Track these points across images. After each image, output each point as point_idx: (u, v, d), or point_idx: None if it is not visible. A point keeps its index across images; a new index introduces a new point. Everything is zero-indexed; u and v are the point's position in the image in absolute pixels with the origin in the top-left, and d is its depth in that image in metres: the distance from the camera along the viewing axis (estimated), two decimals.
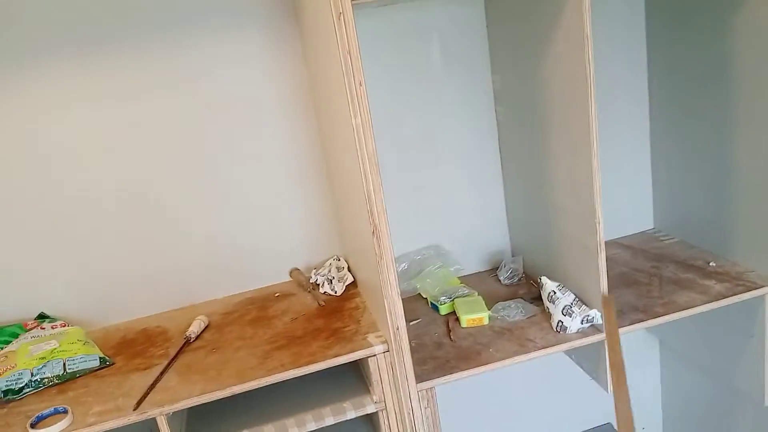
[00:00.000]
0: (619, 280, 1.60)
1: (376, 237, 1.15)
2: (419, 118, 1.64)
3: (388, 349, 1.26)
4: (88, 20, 1.42)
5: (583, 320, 1.36)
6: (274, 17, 1.50)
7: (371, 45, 1.53)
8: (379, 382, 1.28)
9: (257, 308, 1.56)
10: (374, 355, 1.27)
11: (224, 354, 1.35)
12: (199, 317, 1.50)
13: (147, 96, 1.49)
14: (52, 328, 1.50)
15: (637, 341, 1.99)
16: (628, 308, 1.45)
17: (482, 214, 1.77)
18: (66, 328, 1.51)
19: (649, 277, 1.59)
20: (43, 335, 1.46)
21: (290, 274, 1.67)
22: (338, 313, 1.46)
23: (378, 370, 1.28)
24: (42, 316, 1.56)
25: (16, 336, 1.47)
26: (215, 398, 1.21)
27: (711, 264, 1.59)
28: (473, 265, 1.80)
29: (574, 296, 1.40)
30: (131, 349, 1.45)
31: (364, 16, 1.49)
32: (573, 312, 1.37)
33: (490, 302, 1.56)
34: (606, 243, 1.75)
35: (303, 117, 1.58)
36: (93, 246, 1.56)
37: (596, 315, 1.36)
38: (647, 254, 1.72)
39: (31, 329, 1.50)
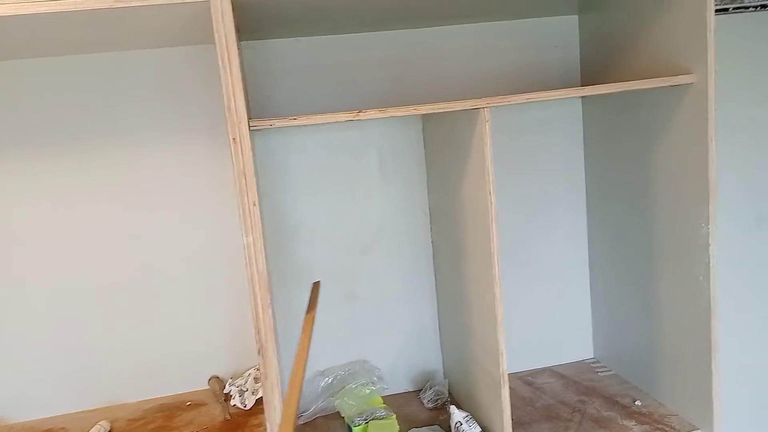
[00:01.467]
0: (542, 412, 1.55)
1: (262, 356, 1.13)
2: (356, 229, 1.66)
3: None
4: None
5: None
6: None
7: (309, 159, 1.60)
8: None
9: (163, 417, 1.51)
10: None
11: None
12: (100, 422, 1.45)
13: (79, 196, 1.53)
14: None
15: None
16: None
17: (414, 332, 1.75)
18: None
19: (572, 413, 1.53)
20: None
21: (208, 381, 1.64)
22: (240, 429, 1.41)
23: None
24: None
25: None
26: None
27: (637, 403, 1.54)
28: (402, 384, 1.75)
29: (479, 428, 1.35)
30: None
31: (302, 132, 1.56)
32: None
33: (408, 426, 1.51)
34: (541, 370, 1.78)
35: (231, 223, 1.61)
36: (16, 340, 1.55)
37: None
38: (578, 386, 1.67)
39: None
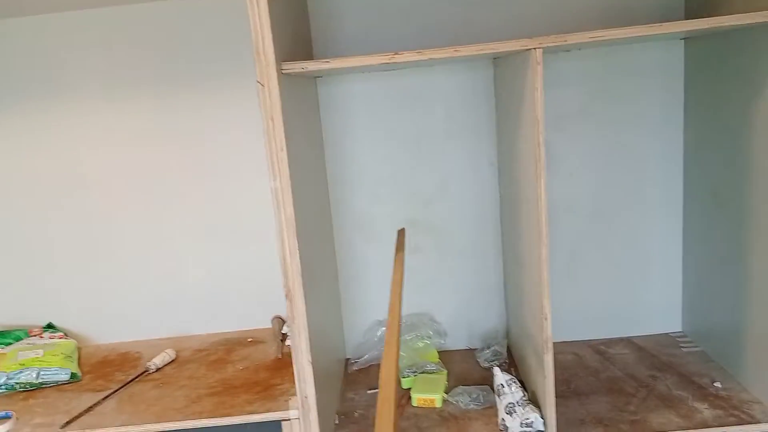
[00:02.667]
0: (604, 384, 1.44)
1: (290, 300, 1.14)
2: (420, 180, 1.61)
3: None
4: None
5: (522, 423, 1.23)
6: None
7: (374, 107, 1.56)
8: None
9: (224, 350, 1.60)
10: (288, 420, 1.24)
11: (166, 390, 1.40)
12: (167, 350, 1.56)
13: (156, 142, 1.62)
14: (50, 338, 1.65)
15: None
16: (592, 419, 1.29)
17: (479, 289, 1.68)
18: (61, 339, 1.64)
19: (638, 388, 1.41)
20: (37, 343, 1.60)
21: (271, 321, 1.70)
22: (287, 368, 1.45)
23: None
24: (49, 326, 1.71)
25: (19, 339, 1.64)
26: None
27: (716, 384, 1.38)
28: (464, 340, 1.71)
29: (522, 394, 1.28)
30: (103, 370, 1.55)
31: (365, 79, 1.52)
32: (514, 411, 1.25)
33: (460, 383, 1.47)
34: (619, 340, 1.65)
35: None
36: (105, 271, 1.70)
37: (536, 420, 1.23)
38: (654, 360, 1.53)
39: (33, 336, 1.66)
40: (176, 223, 1.67)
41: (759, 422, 1.22)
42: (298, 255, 1.12)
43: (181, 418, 1.26)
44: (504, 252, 1.61)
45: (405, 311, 1.69)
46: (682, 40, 1.48)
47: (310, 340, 1.18)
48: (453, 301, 1.68)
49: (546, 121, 1.53)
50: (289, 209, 1.10)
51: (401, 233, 1.32)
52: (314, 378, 1.19)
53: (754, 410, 1.26)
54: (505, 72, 1.37)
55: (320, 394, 1.24)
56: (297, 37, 1.31)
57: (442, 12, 1.50)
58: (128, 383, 1.44)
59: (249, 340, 1.65)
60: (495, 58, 1.47)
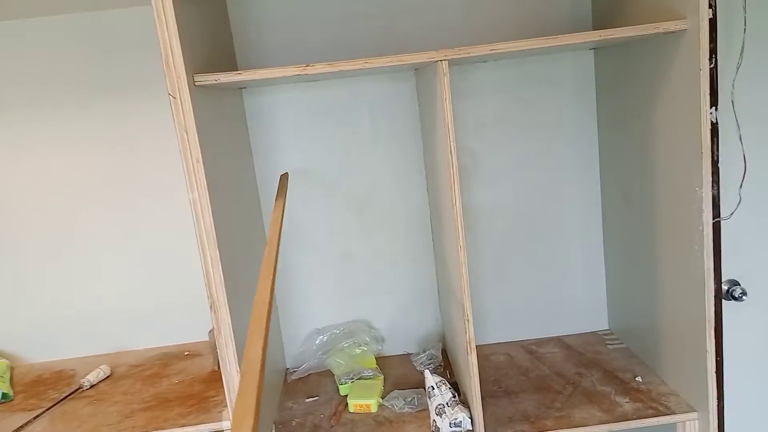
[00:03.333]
0: (534, 382, 1.48)
1: (214, 311, 1.15)
2: (349, 189, 1.64)
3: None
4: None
5: (451, 423, 1.26)
6: None
7: (301, 117, 1.58)
8: None
9: (160, 364, 1.59)
10: (221, 431, 1.25)
11: (100, 407, 1.39)
12: (101, 366, 1.55)
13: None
14: None
15: None
16: (520, 416, 1.33)
17: (414, 294, 1.71)
18: None
19: (564, 385, 1.45)
20: None
21: (208, 333, 1.70)
22: (220, 381, 1.45)
23: None
24: None
25: None
26: None
27: (637, 378, 1.44)
28: (402, 345, 1.73)
29: (451, 394, 1.31)
30: (36, 389, 1.53)
31: (289, 90, 1.54)
32: (444, 412, 1.28)
33: (397, 387, 1.50)
34: (549, 339, 1.70)
35: None
36: (34, 288, 1.68)
37: (465, 419, 1.26)
38: (581, 358, 1.58)
39: None
40: (106, 238, 1.65)
41: (674, 413, 1.28)
42: (220, 266, 1.13)
43: None
44: (435, 257, 1.65)
45: (342, 319, 1.72)
46: (592, 50, 1.54)
47: (239, 350, 1.19)
48: (389, 307, 1.71)
49: (467, 129, 1.58)
50: (208, 220, 1.11)
51: (283, 177, 1.34)
52: None
53: (670, 402, 1.32)
54: (423, 82, 1.41)
55: None
56: (216, 46, 1.33)
57: (367, 23, 1.54)
58: (61, 401, 1.43)
59: (186, 353, 1.65)
60: (416, 69, 1.51)
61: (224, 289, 1.14)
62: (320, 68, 1.11)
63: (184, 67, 1.05)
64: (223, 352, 1.17)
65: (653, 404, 1.32)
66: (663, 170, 1.27)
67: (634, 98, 1.36)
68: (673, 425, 1.28)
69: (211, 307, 1.15)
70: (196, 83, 1.09)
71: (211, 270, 1.13)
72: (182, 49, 1.05)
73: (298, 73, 1.11)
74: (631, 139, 1.41)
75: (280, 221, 1.13)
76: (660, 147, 1.27)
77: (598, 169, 1.62)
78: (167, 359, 1.63)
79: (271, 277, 0.91)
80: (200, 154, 1.09)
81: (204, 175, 1.10)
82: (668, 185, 1.25)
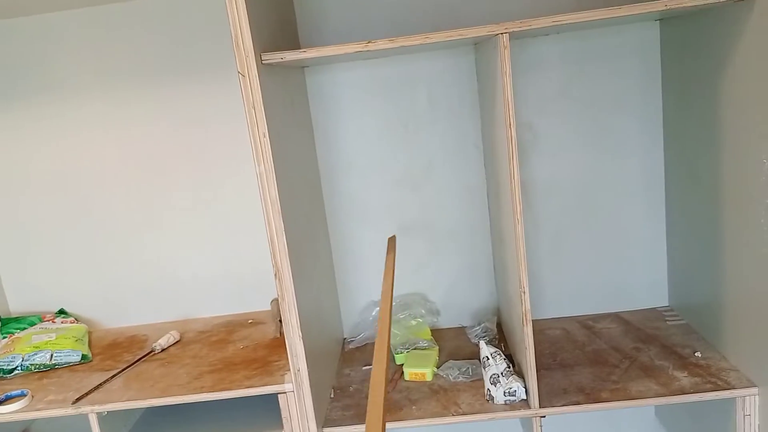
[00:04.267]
0: (589, 356, 1.49)
1: (279, 279, 1.20)
2: (407, 164, 1.66)
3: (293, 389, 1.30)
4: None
5: (505, 392, 1.29)
6: None
7: (360, 95, 1.61)
8: (288, 420, 1.33)
9: (226, 331, 1.67)
10: (284, 393, 1.31)
11: (171, 369, 1.48)
12: (171, 332, 1.64)
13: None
14: (62, 323, 1.74)
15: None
16: (574, 388, 1.35)
17: (470, 268, 1.74)
18: (72, 324, 1.73)
19: (621, 359, 1.45)
20: (49, 328, 1.69)
21: (270, 303, 1.77)
22: (284, 346, 1.51)
23: (287, 408, 1.32)
24: (60, 312, 1.80)
25: (33, 324, 1.73)
26: (136, 407, 1.34)
27: (697, 354, 1.42)
28: (458, 318, 1.76)
29: (506, 365, 1.34)
30: (112, 351, 1.64)
31: (349, 68, 1.57)
32: (499, 382, 1.30)
33: (452, 358, 1.54)
34: (606, 315, 1.69)
35: None
36: (113, 257, 1.78)
37: (519, 389, 1.29)
38: (639, 333, 1.58)
39: (46, 321, 1.75)
40: (178, 210, 1.73)
41: (734, 388, 1.26)
42: (284, 236, 1.19)
43: (183, 393, 1.34)
44: (492, 232, 1.67)
45: (399, 292, 1.75)
46: (657, 22, 1.51)
47: (301, 317, 1.25)
48: (445, 281, 1.74)
49: (527, 103, 1.57)
50: (273, 192, 1.16)
51: (391, 240, 1.35)
52: (307, 353, 1.26)
53: (730, 377, 1.31)
54: (483, 57, 1.41)
55: (314, 369, 1.31)
56: (281, 27, 1.37)
57: (425, 3, 1.55)
58: (135, 363, 1.53)
59: (249, 321, 1.72)
60: (476, 44, 1.51)
61: (288, 258, 1.19)
62: (381, 44, 1.13)
63: (252, 46, 1.09)
64: (287, 317, 1.23)
65: (712, 379, 1.31)
66: (730, 143, 1.24)
67: (701, 70, 1.33)
68: (732, 400, 1.27)
69: (275, 275, 1.21)
70: (264, 61, 1.14)
71: (276, 240, 1.19)
72: (251, 28, 1.09)
73: (360, 49, 1.13)
74: (697, 113, 1.38)
75: (390, 289, 1.14)
76: (728, 120, 1.24)
77: (662, 143, 1.59)
78: (232, 326, 1.70)
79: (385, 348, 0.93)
80: (267, 129, 1.13)
81: (270, 149, 1.14)
82: (735, 158, 1.23)
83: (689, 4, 1.08)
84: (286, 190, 1.21)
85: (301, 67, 1.55)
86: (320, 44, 1.57)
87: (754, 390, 1.24)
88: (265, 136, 1.14)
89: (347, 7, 1.56)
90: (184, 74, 1.64)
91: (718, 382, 1.29)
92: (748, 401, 1.25)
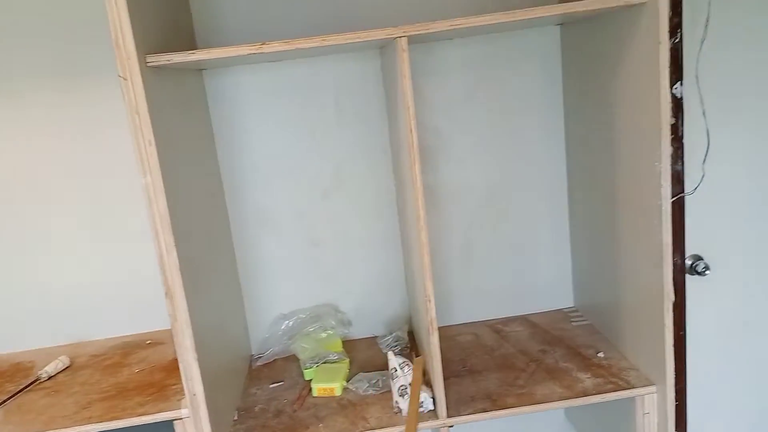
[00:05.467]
0: (498, 361, 1.49)
1: (169, 298, 1.12)
2: (315, 171, 1.61)
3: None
4: None
5: None
6: None
7: (264, 99, 1.54)
8: None
9: (122, 353, 1.56)
10: (179, 419, 1.23)
11: (57, 398, 1.36)
12: (60, 357, 1.51)
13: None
14: None
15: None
16: (482, 395, 1.34)
17: (381, 277, 1.70)
18: None
19: (528, 363, 1.46)
20: None
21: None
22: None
23: None
24: None
25: None
26: None
27: (600, 354, 1.45)
28: (371, 328, 1.72)
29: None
30: None
31: (252, 71, 1.50)
32: (406, 393, 1.28)
33: (363, 370, 1.50)
34: (515, 318, 1.70)
35: None
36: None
37: (426, 399, 1.26)
38: (546, 336, 1.60)
39: None
40: (63, 227, 1.60)
41: (633, 387, 1.29)
42: (175, 251, 1.11)
43: (69, 425, 1.23)
44: (402, 238, 1.64)
45: (309, 303, 1.70)
46: (558, 26, 1.54)
47: (197, 337, 1.17)
48: (357, 290, 1.70)
49: (434, 108, 1.57)
50: (162, 205, 1.08)
51: (418, 363, 1.30)
52: (204, 375, 1.18)
53: (630, 377, 1.34)
54: (387, 61, 1.39)
55: (213, 391, 1.23)
56: (173, 27, 1.29)
57: (333, 2, 1.50)
58: (17, 393, 1.39)
59: (147, 342, 1.62)
60: (381, 47, 1.49)
61: (179, 275, 1.11)
62: (276, 46, 1.08)
63: (134, 47, 1.01)
64: (180, 339, 1.15)
65: (613, 379, 1.34)
66: (625, 146, 1.27)
67: (597, 73, 1.36)
68: (632, 399, 1.30)
69: (166, 294, 1.13)
70: (148, 64, 1.06)
71: (165, 256, 1.11)
72: (133, 28, 1.01)
73: (253, 51, 1.08)
74: (595, 116, 1.41)
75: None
76: (622, 123, 1.27)
77: (563, 147, 1.62)
78: (129, 348, 1.60)
79: None
80: (152, 136, 1.05)
81: (157, 158, 1.06)
82: (630, 161, 1.26)
83: (581, 9, 1.10)
84: (177, 202, 1.14)
85: (198, 69, 1.47)
86: (220, 46, 1.49)
87: (652, 389, 1.27)
88: (150, 145, 1.06)
89: (248, 8, 1.49)
90: (67, 78, 1.51)
91: (619, 382, 1.32)
92: (647, 400, 1.29)
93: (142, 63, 1.04)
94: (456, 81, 1.56)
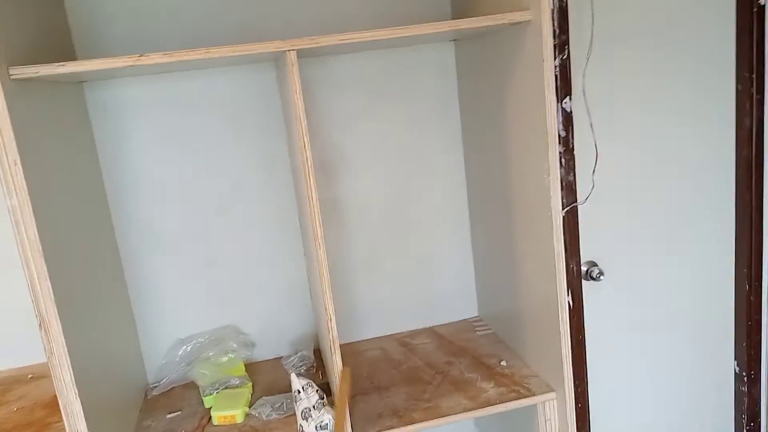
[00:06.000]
0: (405, 374, 1.48)
1: (44, 330, 1.03)
2: (211, 186, 1.54)
3: None
4: None
5: (317, 426, 1.22)
6: None
7: (152, 112, 1.47)
8: None
9: (1, 390, 1.42)
10: None
11: None
12: None
13: None
14: None
15: None
16: (389, 411, 1.32)
17: (285, 294, 1.65)
18: None
19: (434, 375, 1.46)
20: None
21: None
22: None
23: None
24: None
25: None
26: None
27: (502, 363, 1.47)
28: (276, 348, 1.67)
29: (318, 396, 1.27)
30: None
31: (140, 82, 1.43)
32: (310, 416, 1.24)
33: (268, 393, 1.44)
34: (422, 330, 1.70)
35: None
36: None
37: (330, 421, 1.23)
38: (452, 347, 1.60)
39: None
40: None
41: (534, 395, 1.32)
42: (48, 280, 1.02)
43: None
44: (305, 254, 1.61)
45: (208, 327, 1.63)
46: (453, 42, 1.56)
47: (79, 371, 1.08)
48: (260, 310, 1.64)
49: (333, 122, 1.55)
50: (31, 229, 0.99)
51: (344, 375, 1.22)
52: (89, 412, 1.09)
53: (531, 384, 1.36)
54: (281, 74, 1.35)
55: (100, 428, 1.14)
56: (46, 39, 1.19)
57: (219, 13, 1.45)
58: None
59: (30, 376, 1.49)
60: (276, 60, 1.45)
61: (55, 305, 1.02)
62: (156, 58, 1.02)
63: None
64: (58, 374, 1.06)
65: (516, 387, 1.36)
66: (517, 159, 1.30)
67: (490, 89, 1.38)
68: (535, 406, 1.32)
69: (40, 325, 1.03)
70: (12, 76, 0.97)
71: (38, 284, 1.02)
72: None
73: (131, 64, 1.01)
74: (488, 130, 1.43)
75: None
76: (514, 137, 1.30)
77: (462, 160, 1.64)
78: (7, 384, 1.46)
79: None
80: (17, 155, 0.96)
81: (23, 179, 0.97)
82: (522, 174, 1.29)
83: (466, 26, 1.11)
84: (50, 225, 1.05)
85: (78, 82, 1.38)
86: (102, 55, 1.41)
87: (552, 395, 1.30)
88: (16, 164, 0.97)
89: (134, 18, 1.41)
90: None
91: (521, 390, 1.34)
92: (547, 406, 1.31)
93: (5, 76, 0.95)
94: (354, 95, 1.55)
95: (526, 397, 1.31)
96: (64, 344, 1.04)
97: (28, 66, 0.99)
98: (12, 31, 1.01)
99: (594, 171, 1.56)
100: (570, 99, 1.52)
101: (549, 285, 1.24)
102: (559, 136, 1.50)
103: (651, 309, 1.81)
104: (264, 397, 1.42)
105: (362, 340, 1.70)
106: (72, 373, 1.06)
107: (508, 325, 1.54)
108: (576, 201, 1.60)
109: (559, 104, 1.51)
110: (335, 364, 1.21)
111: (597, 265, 1.73)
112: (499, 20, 1.13)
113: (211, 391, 1.44)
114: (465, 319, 1.76)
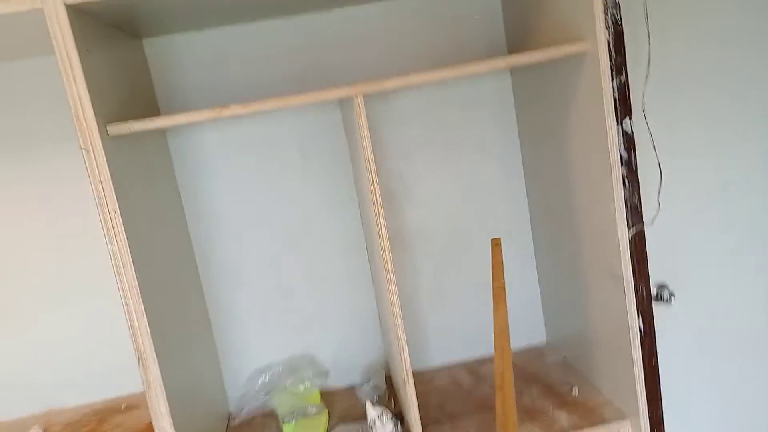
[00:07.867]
0: (477, 403, 1.50)
1: (142, 365, 1.12)
2: (283, 222, 1.63)
3: None
4: None
5: None
6: None
7: (229, 154, 1.57)
8: None
9: (97, 420, 1.54)
10: None
11: None
12: (33, 428, 1.48)
13: None
14: None
15: None
16: None
17: (356, 322, 1.71)
18: None
19: None
20: None
21: None
22: None
23: None
24: None
25: None
26: None
27: (574, 390, 1.47)
28: (349, 377, 1.72)
29: (393, 425, 1.31)
30: None
31: (216, 129, 1.53)
32: None
33: (343, 421, 1.49)
34: (489, 357, 1.71)
35: None
36: None
37: None
38: (521, 373, 1.61)
39: None
40: (28, 292, 1.58)
41: (606, 422, 1.31)
42: (145, 318, 1.11)
43: None
44: (374, 284, 1.66)
45: (285, 354, 1.69)
46: (509, 72, 1.60)
47: (173, 402, 1.16)
48: (333, 339, 1.70)
49: (396, 155, 1.60)
50: (130, 272, 1.09)
51: (496, 247, 1.27)
52: None
53: (604, 412, 1.36)
54: (347, 115, 1.42)
55: None
56: (133, 93, 1.31)
57: (289, 59, 1.54)
58: None
59: (123, 406, 1.59)
60: (341, 102, 1.52)
61: (151, 341, 1.11)
62: (235, 110, 1.11)
63: (95, 119, 1.03)
64: (154, 405, 1.14)
65: (589, 415, 1.35)
66: (580, 183, 1.32)
67: (548, 115, 1.41)
68: None
69: (138, 360, 1.12)
70: (109, 133, 1.07)
71: (136, 323, 1.11)
72: (92, 99, 1.03)
73: (213, 116, 1.10)
74: (549, 155, 1.46)
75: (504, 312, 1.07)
76: (576, 161, 1.32)
77: (524, 186, 1.67)
78: (104, 414, 1.57)
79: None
80: (117, 205, 1.06)
81: (122, 227, 1.07)
82: (586, 197, 1.30)
83: (524, 61, 1.15)
84: (145, 267, 1.14)
85: (161, 131, 1.49)
86: (181, 106, 1.52)
87: (626, 423, 1.29)
88: (115, 213, 1.07)
89: (208, 68, 1.52)
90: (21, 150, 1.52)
91: (595, 419, 1.33)
92: None
93: (104, 133, 1.06)
94: (416, 128, 1.60)
95: (600, 423, 1.30)
96: (160, 377, 1.13)
97: (123, 123, 1.09)
98: (107, 92, 1.12)
99: (659, 192, 1.55)
100: (630, 120, 1.52)
101: (619, 310, 1.25)
102: (621, 158, 1.50)
103: (721, 328, 1.76)
104: (341, 425, 1.46)
105: (430, 368, 1.73)
106: (167, 404, 1.14)
107: (577, 351, 1.54)
108: (642, 222, 1.59)
109: (620, 126, 1.51)
110: (409, 394, 1.24)
111: (667, 287, 1.71)
112: (554, 54, 1.16)
113: (290, 420, 1.50)
114: (533, 345, 1.76)
